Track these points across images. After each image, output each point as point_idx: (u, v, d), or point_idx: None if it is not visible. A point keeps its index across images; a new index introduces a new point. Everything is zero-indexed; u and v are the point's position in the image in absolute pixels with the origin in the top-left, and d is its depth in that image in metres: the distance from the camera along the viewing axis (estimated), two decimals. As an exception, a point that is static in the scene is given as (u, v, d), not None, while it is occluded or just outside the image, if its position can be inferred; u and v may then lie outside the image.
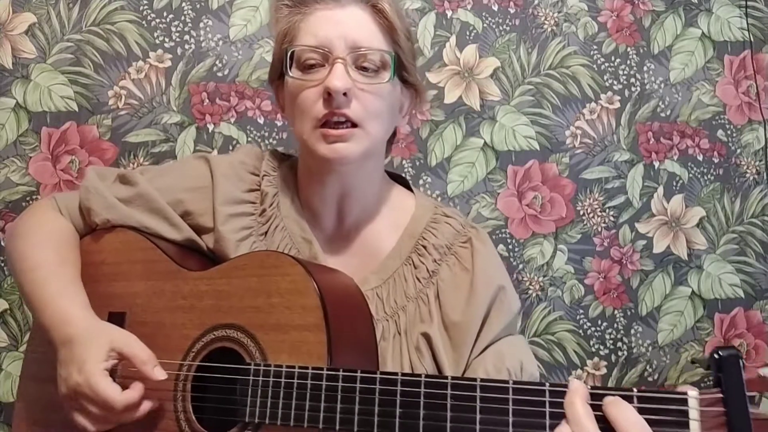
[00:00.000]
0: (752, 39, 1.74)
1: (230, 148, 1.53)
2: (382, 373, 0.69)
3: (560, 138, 1.65)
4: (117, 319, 0.90)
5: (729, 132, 1.72)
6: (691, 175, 1.69)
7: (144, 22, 1.54)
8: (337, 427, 0.70)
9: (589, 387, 0.60)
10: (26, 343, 1.09)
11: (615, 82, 1.69)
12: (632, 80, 1.70)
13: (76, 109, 1.50)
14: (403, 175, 1.57)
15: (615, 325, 1.62)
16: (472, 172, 1.62)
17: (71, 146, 1.49)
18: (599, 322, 1.62)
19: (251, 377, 0.76)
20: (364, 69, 0.85)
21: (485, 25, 1.66)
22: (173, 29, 1.55)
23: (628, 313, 1.63)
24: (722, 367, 0.58)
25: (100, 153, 1.50)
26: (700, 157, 1.70)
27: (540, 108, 1.66)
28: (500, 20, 1.67)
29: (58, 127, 1.49)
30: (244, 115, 1.56)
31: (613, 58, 1.70)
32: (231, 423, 0.77)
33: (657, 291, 1.64)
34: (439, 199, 1.59)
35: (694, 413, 0.57)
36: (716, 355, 0.58)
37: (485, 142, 1.63)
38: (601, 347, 1.61)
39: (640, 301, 1.64)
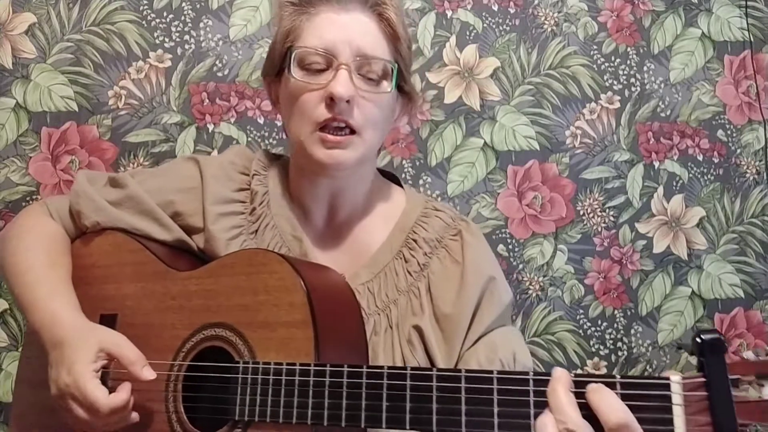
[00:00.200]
0: (752, 39, 1.74)
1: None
2: (369, 367, 0.70)
3: (560, 138, 1.66)
4: (108, 321, 0.90)
5: (729, 132, 1.72)
6: (691, 175, 1.69)
7: (144, 22, 1.54)
8: (325, 423, 0.70)
9: (573, 375, 0.60)
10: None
11: (615, 82, 1.69)
12: (632, 80, 1.70)
13: (76, 109, 1.50)
14: (403, 175, 1.57)
15: (615, 325, 1.62)
16: (472, 172, 1.62)
17: (71, 146, 1.49)
18: (599, 322, 1.62)
19: (240, 375, 0.76)
20: (367, 77, 0.86)
21: (485, 25, 1.66)
22: (173, 29, 1.55)
23: (628, 313, 1.63)
24: (704, 351, 0.57)
25: (100, 153, 1.50)
26: (700, 157, 1.70)
27: (540, 108, 1.66)
28: (500, 20, 1.67)
29: (58, 127, 1.49)
30: (244, 115, 1.56)
31: (613, 58, 1.70)
32: (222, 422, 0.77)
33: (657, 291, 1.64)
34: (439, 199, 1.59)
35: (677, 398, 0.57)
36: (698, 339, 0.58)
37: (485, 142, 1.63)
38: (601, 347, 1.61)
39: (640, 301, 1.64)
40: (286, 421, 0.72)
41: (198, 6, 1.56)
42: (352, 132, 0.85)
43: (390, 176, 1.04)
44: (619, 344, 1.62)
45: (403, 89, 0.92)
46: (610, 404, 0.57)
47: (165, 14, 1.55)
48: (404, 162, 1.60)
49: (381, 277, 0.91)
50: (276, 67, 0.91)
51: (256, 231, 0.94)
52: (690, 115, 1.71)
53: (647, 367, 1.62)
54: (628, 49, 1.70)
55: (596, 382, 0.59)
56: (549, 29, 1.68)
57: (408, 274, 0.91)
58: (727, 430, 0.55)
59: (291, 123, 0.89)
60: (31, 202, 1.46)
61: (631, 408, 0.57)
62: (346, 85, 0.82)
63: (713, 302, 1.66)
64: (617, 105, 1.68)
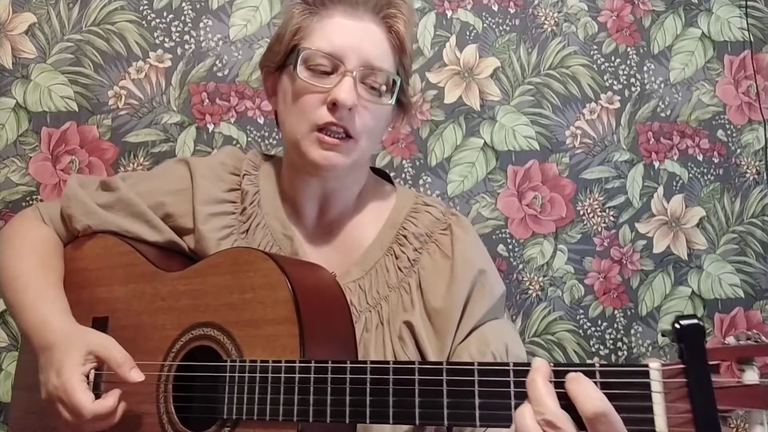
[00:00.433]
0: (752, 39, 1.74)
1: (234, 146, 1.53)
2: (352, 362, 0.70)
3: (560, 138, 1.65)
4: (100, 323, 0.91)
5: (729, 132, 1.72)
6: (691, 175, 1.69)
7: (144, 22, 1.54)
8: (311, 419, 0.70)
9: (552, 364, 0.60)
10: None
11: (615, 82, 1.69)
12: (632, 80, 1.70)
13: (76, 109, 1.50)
14: (403, 175, 1.58)
15: (615, 325, 1.62)
16: (472, 172, 1.62)
17: (71, 146, 1.49)
18: (599, 322, 1.62)
19: (227, 374, 0.76)
20: (370, 87, 0.87)
21: (485, 25, 1.66)
22: (173, 29, 1.55)
23: (628, 313, 1.63)
24: (683, 337, 0.57)
25: (100, 153, 1.50)
26: (700, 157, 1.70)
27: (540, 108, 1.65)
28: (500, 20, 1.67)
29: (58, 127, 1.49)
30: (244, 115, 1.56)
31: (613, 58, 1.70)
32: (212, 421, 0.77)
33: (657, 291, 1.64)
34: (439, 199, 1.59)
35: (656, 385, 0.57)
36: (677, 326, 0.57)
37: (485, 142, 1.63)
38: (601, 347, 1.61)
39: (640, 301, 1.64)
40: (273, 419, 0.72)
41: (198, 6, 1.56)
42: (350, 137, 0.86)
43: (382, 174, 1.04)
44: (619, 344, 1.62)
45: (400, 101, 0.93)
46: (587, 393, 0.57)
47: (165, 14, 1.55)
48: (404, 162, 1.60)
49: (372, 274, 0.92)
50: (278, 61, 0.91)
51: (247, 230, 0.95)
52: (690, 115, 1.71)
53: (647, 367, 1.62)
54: (628, 49, 1.70)
55: (575, 371, 0.59)
56: (549, 29, 1.68)
57: (398, 270, 0.91)
58: (707, 417, 0.55)
59: (288, 120, 0.89)
60: (31, 202, 1.47)
61: (611, 396, 0.57)
62: (350, 92, 0.83)
63: (713, 302, 1.66)
64: (617, 105, 1.68)
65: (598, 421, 0.55)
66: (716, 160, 1.71)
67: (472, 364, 0.64)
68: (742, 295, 1.67)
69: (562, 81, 1.67)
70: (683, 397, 0.56)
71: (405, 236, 0.93)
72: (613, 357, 1.61)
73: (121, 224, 0.96)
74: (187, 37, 1.56)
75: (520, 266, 1.61)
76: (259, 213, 0.95)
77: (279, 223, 0.95)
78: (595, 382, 0.58)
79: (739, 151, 1.72)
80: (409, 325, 0.87)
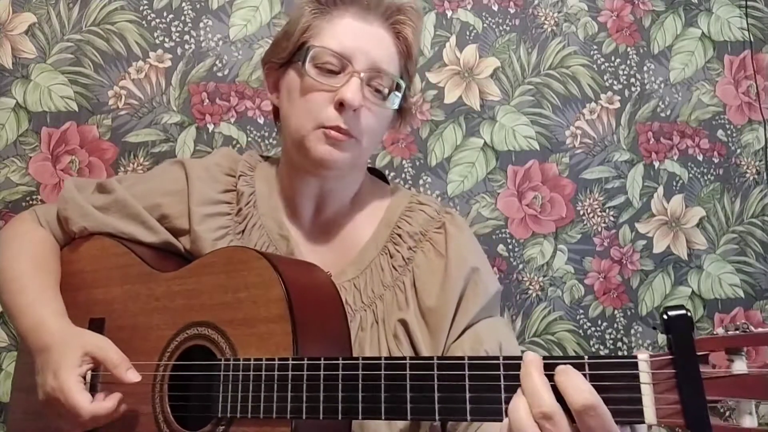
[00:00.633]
0: (752, 39, 1.74)
1: (230, 148, 1.53)
2: (344, 359, 0.70)
3: (560, 138, 1.65)
4: (97, 325, 0.91)
5: (729, 132, 1.72)
6: (691, 175, 1.69)
7: (144, 22, 1.54)
8: (304, 416, 0.70)
9: (542, 357, 0.60)
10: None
11: (615, 82, 1.69)
12: (632, 80, 1.70)
13: (76, 109, 1.50)
14: (403, 175, 1.58)
15: (615, 325, 1.62)
16: (472, 172, 1.62)
17: (71, 146, 1.49)
18: (599, 322, 1.62)
19: (222, 372, 0.76)
20: (375, 89, 0.88)
21: (485, 25, 1.66)
22: (173, 29, 1.55)
23: (628, 313, 1.63)
24: (671, 328, 0.57)
25: (100, 153, 1.50)
26: (700, 157, 1.70)
27: (540, 108, 1.65)
28: (500, 20, 1.67)
29: (58, 127, 1.49)
30: (244, 115, 1.56)
31: (613, 58, 1.70)
32: (207, 419, 0.78)
33: (657, 291, 1.64)
34: (439, 199, 1.59)
35: (645, 377, 0.57)
36: (665, 317, 0.57)
37: (485, 142, 1.63)
38: (601, 347, 1.61)
39: (640, 301, 1.64)
40: (267, 416, 0.72)
41: (198, 6, 1.56)
42: (352, 136, 0.87)
43: (377, 174, 1.05)
44: (619, 344, 1.62)
45: (401, 105, 0.94)
46: (576, 386, 0.57)
47: (165, 14, 1.55)
48: (404, 162, 1.60)
49: (367, 274, 0.92)
50: (285, 57, 0.91)
51: (243, 231, 0.95)
52: (690, 115, 1.71)
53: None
54: (628, 49, 1.70)
55: (565, 363, 0.59)
56: (549, 29, 1.68)
57: (393, 269, 0.92)
58: (696, 407, 0.55)
59: (293, 116, 0.89)
60: (31, 202, 1.47)
61: (600, 388, 0.57)
62: (357, 93, 0.84)
63: (713, 302, 1.66)
64: (617, 105, 1.68)
65: (586, 414, 0.55)
66: (716, 160, 1.71)
67: (462, 358, 0.64)
68: (742, 295, 1.67)
69: (562, 81, 1.67)
70: (672, 388, 0.56)
71: (399, 235, 0.93)
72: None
73: (117, 226, 0.96)
74: (187, 37, 1.56)
75: (520, 266, 1.61)
76: (254, 214, 0.96)
77: (275, 223, 0.95)
78: (584, 375, 0.58)
79: (739, 151, 1.72)
80: (404, 324, 0.88)
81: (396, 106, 0.91)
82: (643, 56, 1.71)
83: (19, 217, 1.04)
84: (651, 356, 0.57)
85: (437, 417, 0.64)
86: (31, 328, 0.86)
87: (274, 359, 0.73)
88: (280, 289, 0.76)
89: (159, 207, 0.96)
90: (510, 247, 1.61)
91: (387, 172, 1.57)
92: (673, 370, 0.56)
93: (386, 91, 0.89)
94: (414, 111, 1.59)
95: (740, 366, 0.55)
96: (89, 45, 1.52)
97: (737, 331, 0.56)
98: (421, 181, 1.60)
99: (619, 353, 1.61)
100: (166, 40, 1.55)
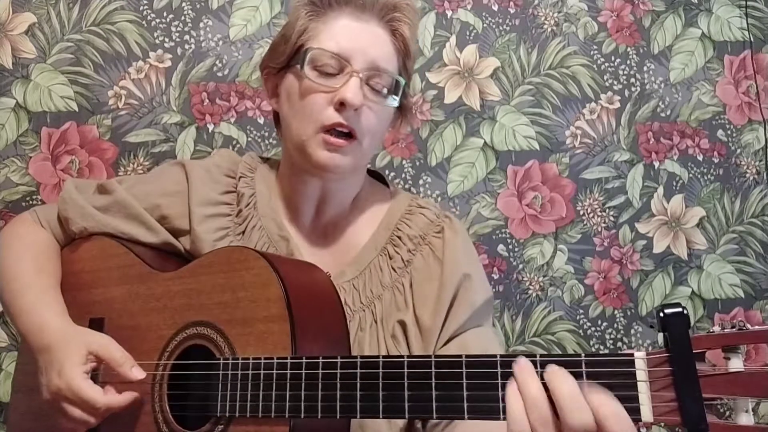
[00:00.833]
0: (752, 39, 1.74)
1: (230, 148, 1.53)
2: (342, 357, 0.70)
3: (560, 138, 1.65)
4: (97, 325, 0.91)
5: (729, 132, 1.72)
6: (691, 175, 1.69)
7: (144, 22, 1.54)
8: (302, 415, 0.70)
9: (538, 356, 0.60)
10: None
11: (615, 82, 1.69)
12: (632, 80, 1.70)
13: (76, 109, 1.50)
14: (403, 175, 1.58)
15: (615, 325, 1.62)
16: (472, 172, 1.62)
17: (71, 146, 1.49)
18: (599, 322, 1.62)
19: (220, 372, 0.76)
20: (374, 89, 0.88)
21: (485, 25, 1.66)
22: (173, 29, 1.55)
23: (628, 313, 1.63)
24: (667, 325, 0.57)
25: (100, 153, 1.50)
26: (700, 157, 1.70)
27: (540, 108, 1.65)
28: (500, 20, 1.67)
29: (58, 127, 1.49)
30: (244, 115, 1.56)
31: (613, 58, 1.70)
32: (207, 419, 0.78)
33: (657, 291, 1.64)
34: (439, 199, 1.59)
35: (641, 374, 0.57)
36: (661, 314, 0.57)
37: (485, 142, 1.63)
38: (601, 347, 1.61)
39: (640, 301, 1.64)
40: (265, 415, 0.72)
41: (198, 6, 1.56)
42: (354, 138, 0.86)
43: (377, 176, 1.05)
44: (619, 344, 1.62)
45: (401, 103, 0.94)
46: (561, 389, 0.57)
47: (165, 14, 1.55)
48: (404, 162, 1.60)
49: (366, 274, 0.92)
50: (282, 61, 0.92)
51: (243, 232, 0.95)
52: (690, 115, 1.71)
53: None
54: (628, 49, 1.70)
55: (560, 362, 0.59)
56: (549, 29, 1.68)
57: (392, 270, 0.92)
58: (693, 405, 0.55)
59: (293, 120, 0.89)
60: (31, 202, 1.47)
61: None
62: (357, 92, 0.84)
63: (713, 302, 1.66)
64: (617, 105, 1.68)
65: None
66: (716, 160, 1.71)
67: (459, 356, 0.64)
68: (742, 295, 1.67)
69: (562, 81, 1.67)
70: (668, 385, 0.56)
71: (399, 237, 0.93)
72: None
73: (117, 226, 0.96)
74: (187, 37, 1.56)
75: (520, 266, 1.61)
76: (254, 215, 0.96)
77: (275, 225, 0.95)
78: (581, 372, 0.58)
79: (739, 151, 1.72)
80: (403, 324, 0.88)
81: (396, 104, 0.91)
82: (643, 56, 1.71)
83: (19, 218, 1.04)
84: (647, 354, 0.57)
85: (435, 415, 0.64)
86: (33, 328, 0.87)
87: (272, 358, 0.73)
88: (278, 289, 0.76)
89: (159, 207, 0.97)
90: (510, 247, 1.61)
91: (387, 172, 1.57)
92: (670, 368, 0.56)
93: (385, 89, 0.89)
94: (414, 111, 1.60)
95: (736, 364, 0.55)
96: (89, 45, 1.52)
97: (733, 329, 0.56)
98: (421, 181, 1.60)
99: (619, 352, 1.61)
100: (166, 40, 1.55)
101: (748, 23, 1.75)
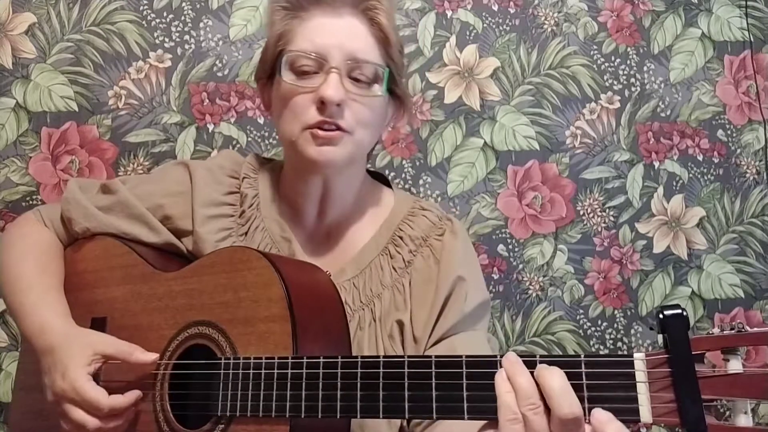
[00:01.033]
0: (752, 39, 1.74)
1: (230, 148, 1.53)
2: (343, 357, 0.70)
3: (560, 138, 1.65)
4: (99, 324, 0.92)
5: (729, 132, 1.72)
6: (691, 175, 1.69)
7: (144, 22, 1.54)
8: (303, 415, 0.70)
9: (538, 357, 0.60)
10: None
11: (615, 82, 1.69)
12: (632, 80, 1.70)
13: (76, 109, 1.50)
14: (403, 175, 1.58)
15: (615, 325, 1.62)
16: (472, 172, 1.62)
17: (71, 146, 1.49)
18: (599, 322, 1.62)
19: (221, 371, 0.76)
20: (358, 80, 0.87)
21: (485, 25, 1.66)
22: (173, 29, 1.55)
23: (628, 313, 1.63)
24: (666, 327, 0.57)
25: (100, 153, 1.50)
26: (700, 157, 1.70)
27: (540, 108, 1.65)
28: (500, 20, 1.67)
29: (58, 127, 1.49)
30: (244, 115, 1.56)
31: (613, 58, 1.70)
32: (208, 418, 0.78)
33: (657, 291, 1.64)
34: (439, 199, 1.59)
35: (641, 375, 0.57)
36: (661, 316, 0.57)
37: (485, 142, 1.63)
38: (601, 347, 1.61)
39: (640, 301, 1.64)
40: (266, 415, 0.72)
41: (198, 6, 1.57)
42: (343, 131, 0.86)
43: (380, 177, 1.04)
44: (619, 344, 1.62)
45: (394, 92, 0.93)
46: (551, 385, 0.57)
47: (165, 14, 1.55)
48: (404, 162, 1.60)
49: (366, 273, 0.92)
50: (268, 70, 0.92)
51: (246, 233, 0.95)
52: (690, 115, 1.71)
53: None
54: (628, 49, 1.70)
55: (560, 362, 0.59)
56: (549, 29, 1.68)
57: (393, 270, 0.92)
58: (692, 406, 0.55)
59: (282, 125, 0.90)
60: (31, 202, 1.47)
61: (596, 387, 0.57)
62: (337, 88, 0.83)
63: (713, 302, 1.66)
64: (617, 105, 1.68)
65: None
66: (716, 160, 1.71)
67: (460, 357, 0.64)
68: (742, 295, 1.67)
69: (562, 81, 1.67)
70: (668, 386, 0.56)
71: (401, 237, 0.93)
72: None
73: (120, 226, 0.96)
74: (187, 37, 1.56)
75: (520, 266, 1.61)
76: (257, 216, 0.96)
77: (277, 226, 0.95)
78: (580, 373, 0.58)
79: (739, 151, 1.72)
80: (401, 324, 0.88)
81: (381, 93, 0.89)
82: (643, 56, 1.71)
83: (23, 217, 1.04)
84: (647, 355, 0.57)
85: (435, 416, 0.64)
86: (36, 329, 0.87)
87: (273, 358, 0.73)
88: (280, 289, 0.76)
89: (162, 208, 0.97)
90: (510, 247, 1.61)
91: (387, 172, 1.57)
92: (669, 369, 0.56)
93: (369, 79, 0.88)
94: (414, 110, 1.60)
95: (736, 365, 0.56)
96: (89, 45, 1.52)
97: (732, 331, 0.57)
98: (421, 181, 1.60)
99: (619, 353, 1.61)
100: (166, 40, 1.55)
101: (748, 23, 1.74)
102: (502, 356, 0.62)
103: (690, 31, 1.73)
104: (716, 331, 0.58)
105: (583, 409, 0.57)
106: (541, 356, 0.60)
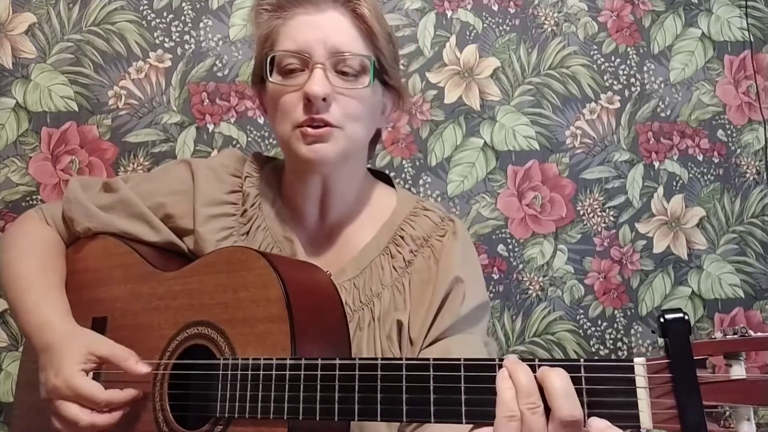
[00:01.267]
0: (752, 39, 1.74)
1: (230, 147, 1.53)
2: (341, 359, 0.70)
3: (560, 138, 1.65)
4: (99, 323, 0.92)
5: (729, 132, 1.72)
6: (691, 175, 1.69)
7: (144, 22, 1.54)
8: (301, 417, 0.70)
9: (537, 361, 0.60)
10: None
11: (615, 82, 1.69)
12: (632, 80, 1.70)
13: (76, 109, 1.50)
14: (403, 175, 1.57)
15: (615, 325, 1.62)
16: (472, 172, 1.62)
17: (71, 146, 1.49)
18: (599, 322, 1.62)
19: (220, 372, 0.76)
20: (344, 73, 0.87)
21: (485, 25, 1.66)
22: (173, 29, 1.55)
23: (628, 313, 1.63)
24: (668, 331, 0.56)
25: (100, 153, 1.50)
26: (700, 157, 1.70)
27: (540, 108, 1.65)
28: (500, 20, 1.67)
29: (58, 127, 1.49)
30: (244, 115, 1.56)
31: (613, 58, 1.69)
32: (207, 419, 0.78)
33: (657, 291, 1.64)
34: (439, 199, 1.59)
35: (641, 381, 0.57)
36: (662, 320, 0.57)
37: (485, 142, 1.63)
38: (601, 347, 1.61)
39: (640, 301, 1.64)
40: (264, 416, 0.72)
41: (198, 6, 1.56)
42: (333, 126, 0.85)
43: (382, 177, 1.04)
44: (619, 344, 1.62)
45: (388, 83, 0.93)
46: (553, 385, 0.58)
47: (165, 14, 1.55)
48: (404, 162, 1.60)
49: (366, 273, 0.92)
50: (260, 74, 0.92)
51: (248, 232, 0.96)
52: (690, 115, 1.71)
53: (647, 367, 1.62)
54: (628, 49, 1.70)
55: (561, 365, 0.59)
56: (549, 29, 1.68)
57: (393, 269, 0.91)
58: (693, 412, 0.54)
59: (276, 126, 0.90)
60: (31, 202, 1.47)
61: (596, 392, 0.57)
62: (321, 83, 0.83)
63: (713, 302, 1.66)
64: (617, 105, 1.68)
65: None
66: (716, 160, 1.71)
67: (458, 360, 0.64)
68: (742, 295, 1.67)
69: (562, 81, 1.67)
70: (668, 392, 0.55)
71: (402, 237, 0.93)
72: (612, 357, 1.61)
73: (121, 225, 0.96)
74: (187, 37, 1.56)
75: (520, 266, 1.61)
76: (259, 215, 0.96)
77: (279, 226, 0.95)
78: (580, 378, 0.58)
79: (739, 151, 1.71)
80: (400, 324, 0.88)
81: (368, 84, 0.87)
82: (643, 56, 1.71)
83: (26, 215, 1.04)
84: (647, 360, 0.57)
85: (432, 419, 0.64)
86: (36, 326, 0.87)
87: (271, 359, 0.73)
88: (278, 289, 0.76)
89: (163, 206, 0.97)
90: (510, 247, 1.61)
91: (387, 172, 1.56)
92: (670, 375, 0.56)
93: (356, 72, 0.87)
94: (414, 110, 1.60)
95: (738, 371, 0.55)
96: (89, 45, 1.52)
97: (735, 336, 0.56)
98: (421, 181, 1.60)
99: (619, 353, 1.61)
100: (166, 40, 1.55)
101: (748, 23, 1.74)
102: (501, 360, 0.62)
103: (690, 31, 1.73)
104: (719, 335, 0.57)
105: (583, 414, 0.57)
106: (540, 360, 0.60)
